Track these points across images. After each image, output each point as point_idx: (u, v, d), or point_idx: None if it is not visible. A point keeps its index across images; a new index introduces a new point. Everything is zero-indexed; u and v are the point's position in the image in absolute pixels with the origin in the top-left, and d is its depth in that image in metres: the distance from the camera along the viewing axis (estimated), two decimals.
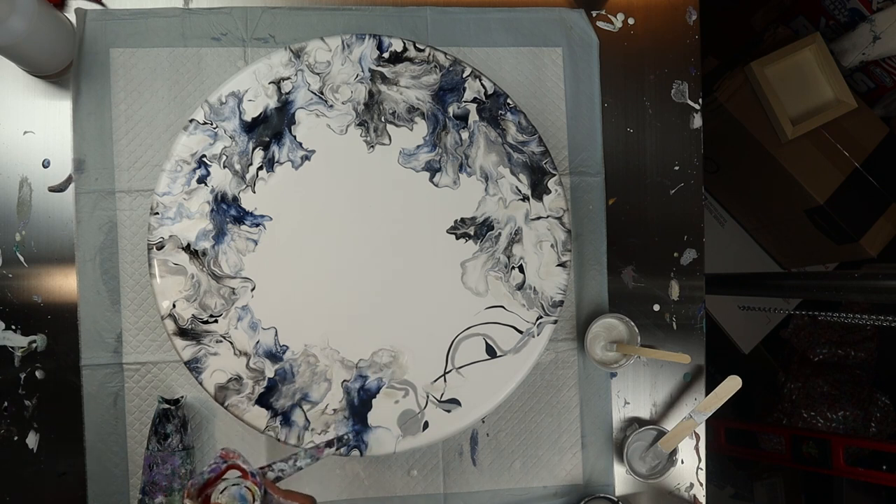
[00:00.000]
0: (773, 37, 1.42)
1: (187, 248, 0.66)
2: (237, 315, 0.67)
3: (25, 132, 0.71)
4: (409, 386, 0.68)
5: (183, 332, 0.65)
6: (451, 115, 0.70)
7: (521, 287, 0.70)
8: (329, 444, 0.57)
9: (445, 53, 0.70)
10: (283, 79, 0.68)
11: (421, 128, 0.70)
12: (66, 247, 0.70)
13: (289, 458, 0.54)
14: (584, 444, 0.76)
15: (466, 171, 0.70)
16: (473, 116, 0.70)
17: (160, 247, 0.66)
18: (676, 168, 0.79)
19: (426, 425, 0.68)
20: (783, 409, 1.58)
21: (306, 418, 0.66)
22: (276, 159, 0.68)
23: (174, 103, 0.72)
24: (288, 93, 0.68)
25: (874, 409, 1.57)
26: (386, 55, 0.69)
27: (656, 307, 0.78)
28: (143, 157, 0.71)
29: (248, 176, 0.67)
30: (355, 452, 0.67)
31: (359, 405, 0.67)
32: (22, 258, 0.70)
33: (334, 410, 0.67)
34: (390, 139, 0.70)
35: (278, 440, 0.66)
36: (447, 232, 0.70)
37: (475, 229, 0.70)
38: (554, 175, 0.71)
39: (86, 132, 0.70)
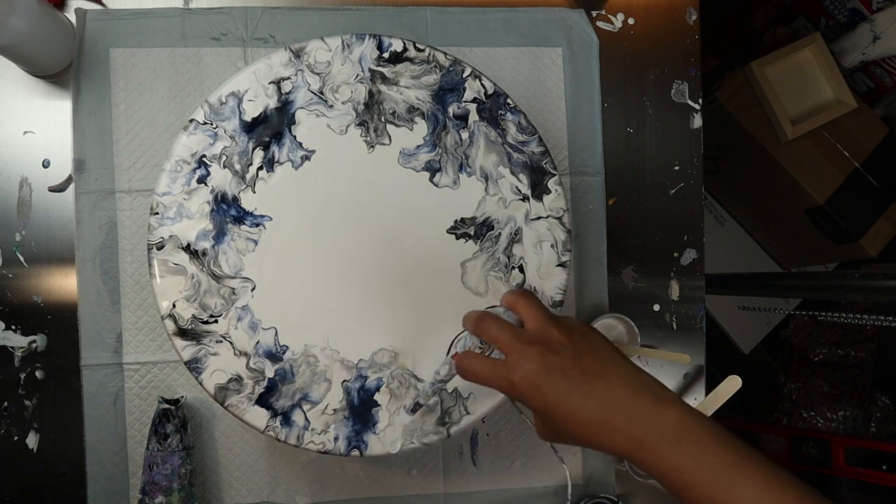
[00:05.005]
0: (773, 37, 1.42)
1: (187, 248, 0.66)
2: (237, 315, 0.67)
3: (25, 132, 0.71)
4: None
5: (183, 332, 0.65)
6: (451, 115, 0.70)
7: (521, 287, 0.70)
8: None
9: (445, 53, 0.70)
10: (283, 79, 0.68)
11: (421, 128, 0.70)
12: (66, 247, 0.70)
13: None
14: None
15: (466, 171, 0.70)
16: (473, 116, 0.70)
17: (160, 247, 0.66)
18: (676, 168, 0.79)
19: None
20: (783, 409, 1.58)
21: (306, 418, 0.66)
22: (276, 159, 0.68)
23: (174, 103, 0.72)
24: (288, 93, 0.68)
25: (874, 409, 1.57)
26: (386, 55, 0.69)
27: (656, 307, 0.78)
28: (143, 157, 0.71)
29: (248, 176, 0.67)
30: (355, 452, 0.67)
31: (359, 405, 0.67)
32: (22, 258, 0.70)
33: (334, 410, 0.67)
34: (390, 139, 0.70)
35: (278, 440, 0.66)
36: (447, 232, 0.70)
37: (475, 229, 0.70)
38: (554, 175, 0.71)
39: (86, 132, 0.70)
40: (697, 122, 0.79)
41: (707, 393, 0.76)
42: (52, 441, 0.70)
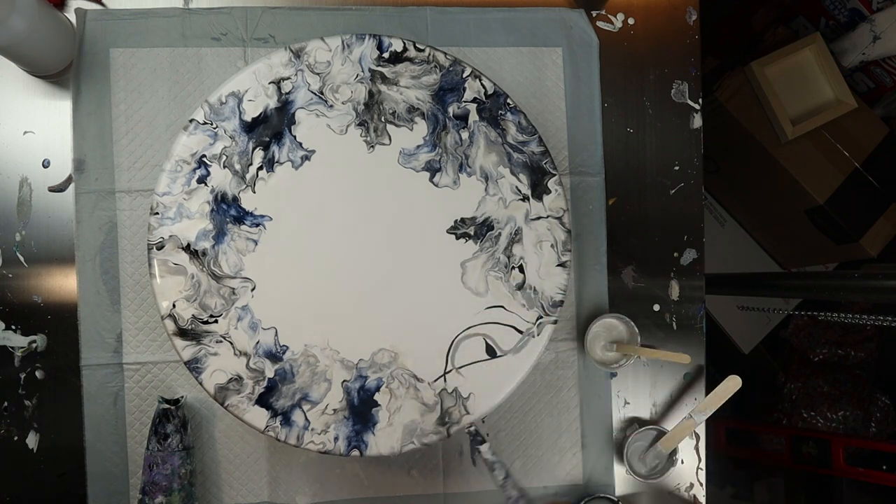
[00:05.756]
0: (773, 37, 1.42)
1: (187, 248, 0.66)
2: (237, 315, 0.67)
3: (25, 132, 0.71)
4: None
5: (183, 332, 0.65)
6: (451, 115, 0.70)
7: (521, 287, 0.70)
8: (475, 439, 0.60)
9: (445, 53, 0.70)
10: (283, 79, 0.68)
11: (421, 128, 0.70)
12: (66, 247, 0.70)
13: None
14: (584, 445, 0.76)
15: (466, 171, 0.70)
16: (473, 116, 0.70)
17: (160, 247, 0.66)
18: (676, 168, 0.79)
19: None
20: (783, 409, 1.58)
21: (306, 418, 0.66)
22: (276, 159, 0.68)
23: (174, 103, 0.72)
24: (288, 93, 0.68)
25: (874, 409, 1.57)
26: (386, 55, 0.69)
27: (656, 307, 0.78)
28: (143, 157, 0.71)
29: (248, 176, 0.67)
30: (355, 452, 0.67)
31: (359, 405, 0.67)
32: (22, 258, 0.70)
33: (334, 410, 0.67)
34: (390, 139, 0.70)
35: (278, 440, 0.66)
36: (447, 232, 0.70)
37: (475, 229, 0.70)
38: (554, 175, 0.71)
39: (86, 132, 0.70)
40: (697, 122, 0.79)
41: (707, 393, 0.76)
42: (52, 441, 0.70)
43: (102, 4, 0.72)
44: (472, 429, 0.63)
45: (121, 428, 0.70)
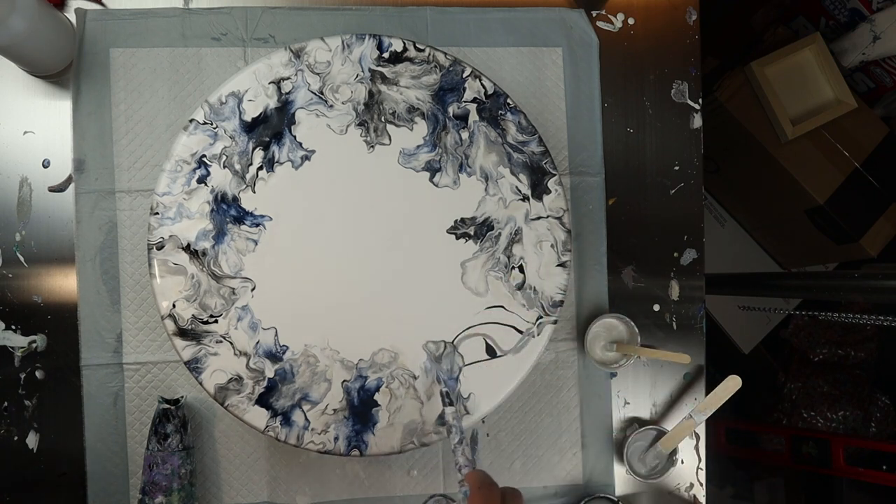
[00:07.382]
0: (773, 37, 1.42)
1: (187, 248, 0.66)
2: (237, 315, 0.67)
3: (25, 132, 0.71)
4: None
5: (183, 332, 0.65)
6: (451, 115, 0.70)
7: (521, 287, 0.70)
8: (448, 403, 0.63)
9: (445, 53, 0.70)
10: (283, 79, 0.68)
11: (421, 128, 0.70)
12: (66, 247, 0.70)
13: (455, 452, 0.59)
14: (584, 444, 0.76)
15: (466, 171, 0.70)
16: (473, 116, 0.70)
17: (160, 247, 0.66)
18: (676, 168, 0.79)
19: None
20: (783, 409, 1.58)
21: (306, 418, 0.66)
22: (276, 159, 0.68)
23: (174, 103, 0.72)
24: (288, 93, 0.68)
25: (874, 409, 1.57)
26: (386, 55, 0.69)
27: (656, 307, 0.78)
28: (143, 157, 0.71)
29: (248, 176, 0.67)
30: (355, 452, 0.67)
31: (359, 405, 0.68)
32: (22, 258, 0.70)
33: (334, 410, 0.67)
34: (390, 139, 0.70)
35: (278, 440, 0.66)
36: (447, 232, 0.70)
37: (475, 229, 0.70)
38: (554, 175, 0.71)
39: (86, 132, 0.70)
40: (697, 122, 0.79)
41: (707, 393, 0.76)
42: (52, 441, 0.70)
43: (102, 4, 0.72)
44: (445, 390, 0.65)
45: (121, 428, 0.70)
